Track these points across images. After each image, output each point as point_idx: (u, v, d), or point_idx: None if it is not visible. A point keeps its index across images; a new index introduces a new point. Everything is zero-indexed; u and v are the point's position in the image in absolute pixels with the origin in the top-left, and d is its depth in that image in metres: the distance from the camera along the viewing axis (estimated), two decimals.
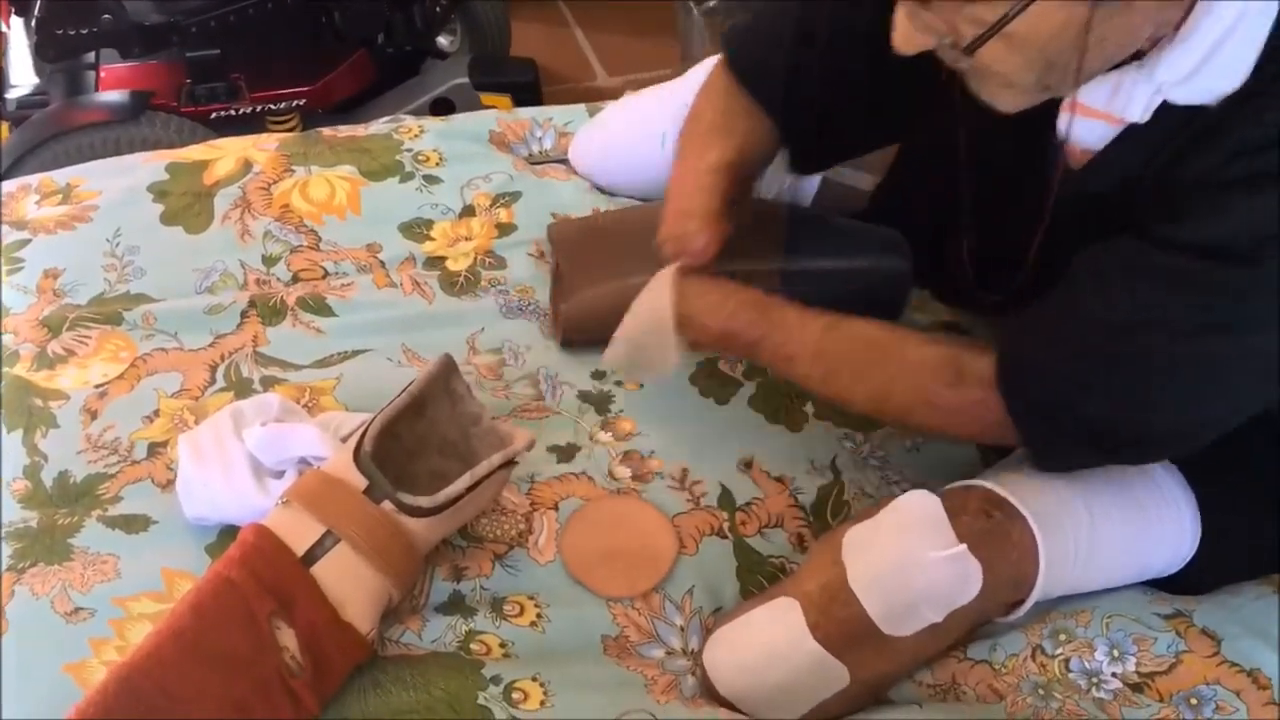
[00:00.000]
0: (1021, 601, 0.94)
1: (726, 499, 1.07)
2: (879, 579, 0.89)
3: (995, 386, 0.91)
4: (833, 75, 1.08)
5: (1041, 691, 0.94)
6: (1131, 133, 0.89)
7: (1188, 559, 0.99)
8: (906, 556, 0.88)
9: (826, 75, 1.09)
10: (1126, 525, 0.95)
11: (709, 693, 0.94)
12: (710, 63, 1.34)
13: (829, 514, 1.07)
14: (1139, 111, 0.87)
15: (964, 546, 0.87)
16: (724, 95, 1.13)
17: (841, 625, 0.89)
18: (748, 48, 1.13)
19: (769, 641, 0.91)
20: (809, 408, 1.15)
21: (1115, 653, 0.96)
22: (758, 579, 1.02)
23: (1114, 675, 0.95)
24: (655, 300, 1.04)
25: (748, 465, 1.09)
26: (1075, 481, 0.95)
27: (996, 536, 0.90)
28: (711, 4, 2.38)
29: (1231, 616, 0.98)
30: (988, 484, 0.94)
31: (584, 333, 1.19)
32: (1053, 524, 0.92)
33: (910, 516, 0.90)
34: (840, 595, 0.89)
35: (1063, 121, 0.91)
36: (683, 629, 0.98)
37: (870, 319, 0.99)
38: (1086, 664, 0.96)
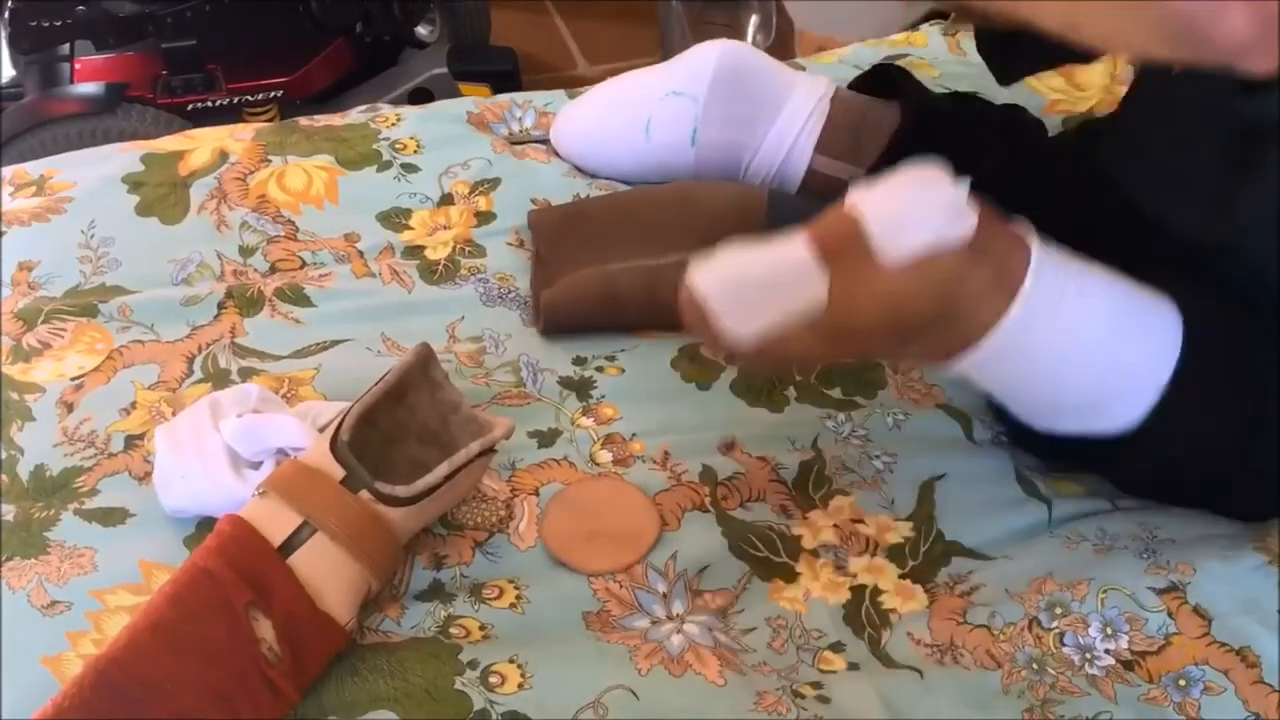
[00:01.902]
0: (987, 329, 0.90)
1: (708, 474, 1.06)
2: (879, 197, 0.87)
3: None
4: None
5: (1036, 666, 0.94)
6: None
7: (1163, 385, 0.93)
8: (908, 187, 0.87)
9: None
10: (1110, 305, 0.93)
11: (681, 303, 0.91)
12: (692, 49, 1.33)
13: (810, 487, 1.06)
14: None
15: (965, 190, 0.85)
16: None
17: (836, 232, 0.87)
18: None
19: (760, 248, 0.89)
20: (790, 391, 1.15)
21: (1109, 630, 0.96)
22: (745, 543, 1.01)
23: (1107, 652, 0.95)
24: None
25: (730, 447, 1.09)
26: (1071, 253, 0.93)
27: (995, 219, 0.88)
28: None
29: (1225, 591, 0.98)
30: None
31: (566, 320, 1.18)
32: (1045, 254, 0.90)
33: (919, 170, 0.88)
34: (838, 210, 0.88)
35: None
36: (665, 595, 0.97)
37: None
38: (1081, 639, 0.96)
